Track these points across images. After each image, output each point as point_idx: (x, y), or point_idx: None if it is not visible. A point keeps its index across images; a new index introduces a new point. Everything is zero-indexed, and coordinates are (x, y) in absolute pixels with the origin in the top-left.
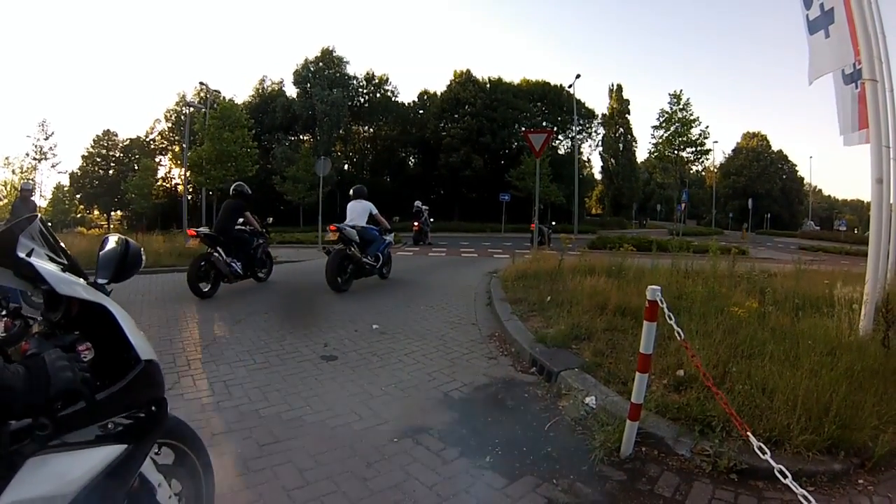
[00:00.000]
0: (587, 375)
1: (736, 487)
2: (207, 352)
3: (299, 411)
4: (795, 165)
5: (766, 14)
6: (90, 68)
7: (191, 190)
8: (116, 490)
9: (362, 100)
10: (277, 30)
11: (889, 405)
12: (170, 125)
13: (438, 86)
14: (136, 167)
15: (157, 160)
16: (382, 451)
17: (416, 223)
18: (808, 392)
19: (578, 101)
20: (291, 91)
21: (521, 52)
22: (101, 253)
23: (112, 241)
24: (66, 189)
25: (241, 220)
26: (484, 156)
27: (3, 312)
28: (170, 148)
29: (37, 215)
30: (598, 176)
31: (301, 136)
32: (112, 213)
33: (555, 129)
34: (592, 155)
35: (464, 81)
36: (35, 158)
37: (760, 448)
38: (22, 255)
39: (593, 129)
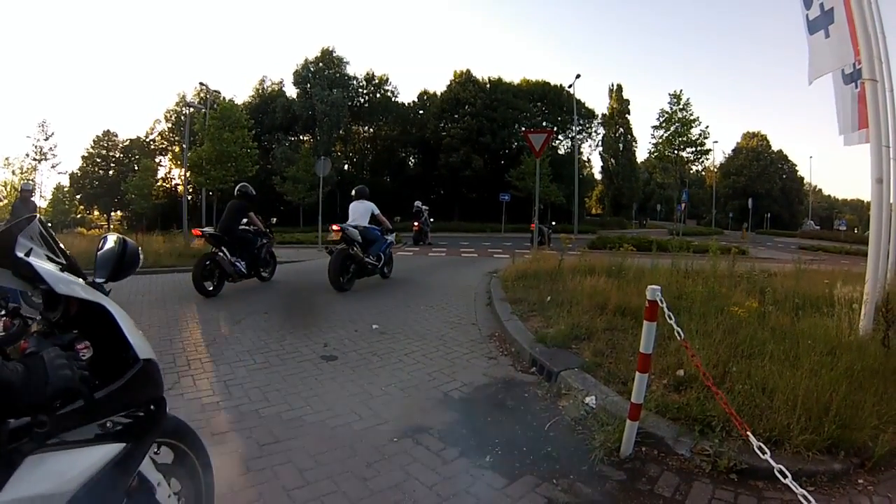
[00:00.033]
0: (587, 375)
1: (736, 487)
2: (207, 352)
3: (299, 411)
4: (795, 165)
5: (766, 14)
6: (90, 69)
7: (191, 190)
8: (115, 488)
9: (362, 100)
10: (277, 30)
11: (889, 405)
12: (170, 125)
13: (438, 86)
14: (136, 167)
15: (157, 160)
16: (382, 451)
17: (416, 223)
18: (808, 392)
19: (578, 101)
20: (291, 91)
21: (521, 52)
22: (99, 252)
23: (110, 241)
24: (66, 189)
25: (245, 220)
26: (484, 156)
27: (3, 312)
28: (170, 148)
29: (36, 215)
30: (598, 176)
31: (301, 137)
32: (112, 214)
33: (555, 129)
34: (592, 155)
35: (464, 81)
36: (35, 159)
37: (760, 448)
38: (20, 254)
39: (593, 129)
